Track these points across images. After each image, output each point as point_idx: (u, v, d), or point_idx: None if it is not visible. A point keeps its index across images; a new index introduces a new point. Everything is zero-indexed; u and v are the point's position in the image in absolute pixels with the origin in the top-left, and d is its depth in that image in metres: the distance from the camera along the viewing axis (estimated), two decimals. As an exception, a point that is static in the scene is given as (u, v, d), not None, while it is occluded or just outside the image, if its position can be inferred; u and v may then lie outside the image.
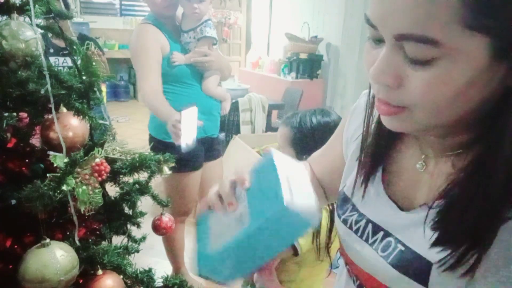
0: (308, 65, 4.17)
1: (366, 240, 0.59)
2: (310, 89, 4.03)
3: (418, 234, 0.53)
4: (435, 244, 0.49)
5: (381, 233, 0.58)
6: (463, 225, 0.46)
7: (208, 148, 2.01)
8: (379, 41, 0.46)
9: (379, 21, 0.44)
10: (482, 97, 0.44)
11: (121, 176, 0.97)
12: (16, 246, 0.88)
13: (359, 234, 0.60)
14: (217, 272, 0.53)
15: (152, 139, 1.93)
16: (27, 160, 0.91)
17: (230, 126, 3.46)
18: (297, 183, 0.51)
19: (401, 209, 0.57)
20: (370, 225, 0.60)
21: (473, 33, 0.39)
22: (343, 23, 3.93)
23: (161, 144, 1.79)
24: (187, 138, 1.40)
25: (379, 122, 0.60)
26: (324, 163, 0.80)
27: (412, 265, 0.51)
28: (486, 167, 0.45)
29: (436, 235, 0.49)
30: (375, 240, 0.58)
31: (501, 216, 0.44)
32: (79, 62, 0.87)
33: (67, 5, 2.10)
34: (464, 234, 0.46)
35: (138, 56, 1.75)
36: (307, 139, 1.15)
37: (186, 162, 1.82)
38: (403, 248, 0.54)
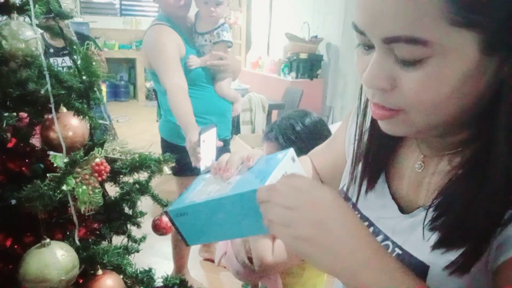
0: (308, 65, 4.17)
1: None
2: (310, 89, 4.03)
3: (416, 237, 0.53)
4: (436, 246, 0.48)
5: (381, 236, 0.58)
6: (461, 224, 0.46)
7: (221, 149, 1.98)
8: (368, 47, 0.46)
9: (366, 26, 0.44)
10: (477, 93, 0.44)
11: (121, 176, 0.97)
12: (16, 246, 0.88)
13: None
14: (180, 221, 0.55)
15: (164, 143, 1.89)
16: (27, 160, 0.91)
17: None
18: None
19: (403, 211, 0.57)
20: (371, 228, 0.60)
21: (460, 29, 0.39)
22: (343, 23, 3.93)
23: (175, 149, 1.74)
24: (206, 161, 1.38)
25: (374, 127, 0.60)
26: (325, 159, 0.79)
27: (409, 267, 0.50)
28: (483, 163, 0.45)
29: (435, 236, 0.49)
30: None
31: (499, 214, 0.44)
32: (79, 62, 0.87)
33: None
34: (463, 233, 0.46)
35: (159, 55, 1.67)
36: (297, 144, 1.14)
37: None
38: (400, 252, 0.54)
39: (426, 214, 0.51)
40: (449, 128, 0.49)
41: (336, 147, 0.75)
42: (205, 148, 1.32)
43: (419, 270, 0.50)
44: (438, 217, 0.49)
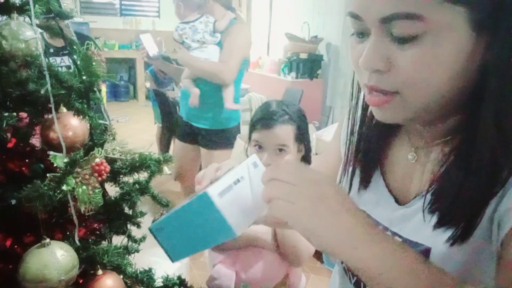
0: (308, 65, 4.17)
1: None
2: (310, 89, 4.03)
3: (414, 224, 0.55)
4: (436, 226, 0.51)
5: (380, 227, 0.58)
6: (457, 204, 0.48)
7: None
8: (362, 34, 0.49)
9: (363, 9, 0.46)
10: (468, 73, 0.46)
11: (121, 176, 0.97)
12: (16, 246, 0.88)
13: None
14: (161, 236, 0.55)
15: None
16: (27, 160, 0.91)
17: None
18: (243, 188, 0.53)
19: (398, 202, 0.59)
20: None
21: (452, 6, 0.41)
22: (343, 23, 3.93)
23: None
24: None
25: (365, 123, 0.63)
26: (324, 167, 0.80)
27: None
28: (472, 147, 0.47)
29: (434, 218, 0.51)
30: None
31: (491, 190, 0.47)
32: (78, 62, 0.87)
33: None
34: (460, 211, 0.48)
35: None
36: (305, 128, 1.23)
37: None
38: (400, 240, 0.55)
39: (424, 200, 0.53)
40: (441, 112, 0.50)
41: (334, 151, 0.76)
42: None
43: (421, 253, 0.51)
44: (435, 201, 0.51)
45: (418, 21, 0.42)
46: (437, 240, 0.51)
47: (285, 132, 1.16)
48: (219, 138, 2.21)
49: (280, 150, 1.15)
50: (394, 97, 0.48)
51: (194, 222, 0.51)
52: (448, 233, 0.50)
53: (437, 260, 0.50)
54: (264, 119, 1.17)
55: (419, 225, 0.54)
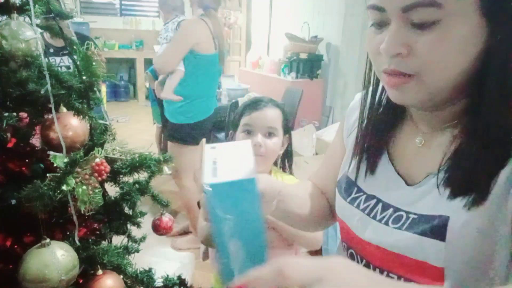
0: (308, 65, 4.17)
1: (374, 217, 0.62)
2: (310, 89, 4.02)
3: (428, 202, 0.57)
4: (452, 196, 0.54)
5: (391, 209, 0.61)
6: (472, 173, 0.53)
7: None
8: (380, 25, 0.54)
9: (386, 0, 0.51)
10: (476, 56, 0.51)
11: (121, 176, 0.97)
12: (16, 246, 0.88)
13: (366, 212, 0.64)
14: (226, 268, 0.51)
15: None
16: (27, 160, 0.91)
17: (230, 125, 3.47)
18: (225, 161, 0.53)
19: (407, 183, 0.62)
20: (380, 204, 0.63)
21: None
22: (343, 23, 3.93)
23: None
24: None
25: (375, 108, 0.67)
26: (326, 173, 0.81)
27: (429, 225, 0.55)
28: (481, 123, 0.52)
29: (450, 189, 0.55)
30: (384, 216, 0.61)
31: (504, 158, 0.51)
32: (78, 62, 0.87)
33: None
34: (475, 179, 0.52)
35: None
36: (289, 120, 1.25)
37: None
38: (415, 216, 0.57)
39: (437, 177, 0.56)
40: (451, 95, 0.55)
41: (335, 155, 0.78)
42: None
43: (439, 224, 0.54)
44: (450, 176, 0.55)
45: (437, 8, 0.47)
46: (454, 209, 0.53)
47: (274, 114, 1.19)
48: (172, 130, 2.38)
49: (270, 134, 1.16)
50: (412, 79, 0.52)
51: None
52: (464, 201, 0.53)
53: (456, 230, 0.52)
54: (253, 103, 1.21)
55: (434, 201, 0.56)
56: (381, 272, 0.61)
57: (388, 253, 0.58)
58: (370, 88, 0.67)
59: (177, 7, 2.68)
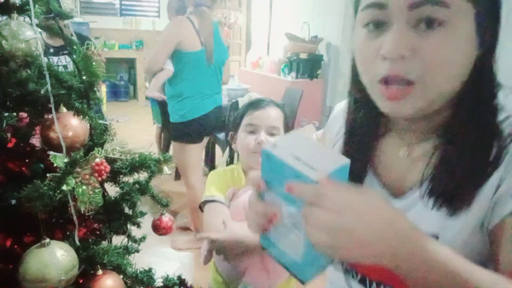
0: (308, 65, 4.17)
1: None
2: (310, 89, 4.02)
3: (415, 214, 0.57)
4: (437, 207, 0.54)
5: None
6: (455, 185, 0.52)
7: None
8: (378, 25, 0.50)
9: None
10: (468, 66, 0.50)
11: (121, 176, 0.97)
12: (16, 246, 0.88)
13: None
14: (311, 271, 0.49)
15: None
16: (27, 160, 0.91)
17: (230, 125, 3.46)
18: (308, 154, 0.46)
19: (394, 195, 0.61)
20: None
21: (467, 2, 0.47)
22: (343, 23, 3.93)
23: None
24: None
25: (357, 121, 0.65)
26: None
27: None
28: (461, 139, 0.52)
29: (434, 201, 0.54)
30: None
31: (485, 169, 0.51)
32: (78, 62, 0.87)
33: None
34: (455, 192, 0.52)
35: None
36: (289, 122, 1.25)
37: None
38: None
39: (421, 188, 0.56)
40: (444, 102, 0.54)
41: None
42: None
43: None
44: (432, 189, 0.54)
45: (445, 9, 0.46)
46: (440, 222, 0.53)
47: (276, 113, 1.19)
48: (171, 130, 2.43)
49: (272, 133, 1.16)
50: (413, 87, 0.49)
51: None
52: (447, 212, 0.53)
53: (446, 244, 0.51)
54: (255, 103, 1.21)
55: (420, 214, 0.55)
56: (378, 286, 0.60)
57: (383, 267, 0.58)
58: (355, 98, 0.65)
59: (180, 9, 2.70)
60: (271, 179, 0.48)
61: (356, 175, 0.63)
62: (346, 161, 0.45)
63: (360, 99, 0.63)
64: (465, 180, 0.51)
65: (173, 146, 2.46)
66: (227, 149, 1.44)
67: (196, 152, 2.37)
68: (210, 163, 3.55)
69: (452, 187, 0.52)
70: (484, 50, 0.50)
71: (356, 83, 0.61)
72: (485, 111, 0.51)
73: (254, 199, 0.50)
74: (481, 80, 0.51)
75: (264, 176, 0.49)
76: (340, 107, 0.72)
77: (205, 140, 2.48)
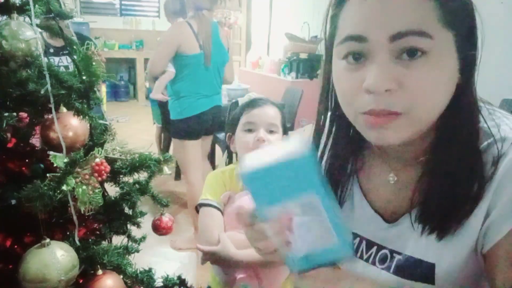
0: (308, 65, 4.17)
1: (361, 257, 0.62)
2: (310, 89, 4.02)
3: (410, 241, 0.56)
4: (425, 233, 0.54)
5: (375, 247, 0.61)
6: (442, 212, 0.52)
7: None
8: (358, 58, 0.49)
9: (371, 29, 0.47)
10: (451, 93, 0.50)
11: (121, 176, 0.97)
12: (16, 246, 0.88)
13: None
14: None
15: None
16: (27, 160, 0.91)
17: (227, 127, 3.46)
18: (277, 150, 0.45)
19: (387, 221, 0.60)
20: (364, 242, 0.62)
21: (446, 29, 0.47)
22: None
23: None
24: None
25: (340, 145, 0.64)
26: None
27: (416, 270, 0.55)
28: (448, 163, 0.51)
29: (421, 227, 0.54)
30: (370, 255, 0.61)
31: (471, 195, 0.50)
32: (78, 62, 0.87)
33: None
34: (443, 217, 0.52)
35: None
36: (285, 120, 1.25)
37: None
38: (400, 257, 0.57)
39: (410, 216, 0.56)
40: (425, 130, 0.53)
41: None
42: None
43: (427, 271, 0.54)
44: (421, 215, 0.54)
45: (428, 39, 0.45)
46: (438, 256, 0.53)
47: (274, 111, 1.19)
48: (171, 127, 2.54)
49: (271, 131, 1.16)
50: (399, 116, 0.48)
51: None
52: (436, 237, 0.53)
53: (443, 274, 0.53)
54: (253, 101, 1.21)
55: (413, 240, 0.56)
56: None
57: None
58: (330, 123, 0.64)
59: (177, 11, 2.82)
60: (264, 194, 0.46)
61: (340, 197, 0.64)
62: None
63: (341, 125, 0.62)
64: (451, 207, 0.51)
65: (173, 142, 2.58)
66: (226, 150, 1.44)
67: (194, 148, 2.46)
68: (210, 163, 3.55)
69: (439, 214, 0.52)
70: (465, 75, 0.50)
71: (336, 110, 0.60)
72: (467, 136, 0.51)
73: (257, 230, 0.49)
74: (461, 104, 0.51)
75: (256, 198, 0.47)
76: (310, 129, 0.71)
77: (208, 139, 2.59)
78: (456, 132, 0.51)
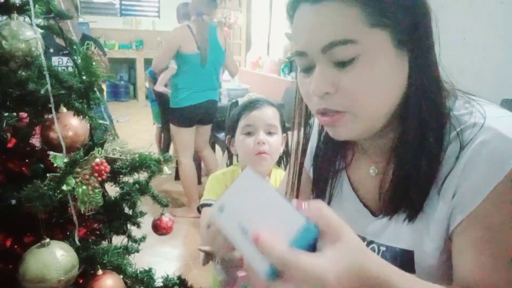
0: (308, 65, 4.17)
1: None
2: (310, 89, 4.02)
3: (392, 231, 0.60)
4: (391, 214, 0.59)
5: (364, 243, 0.63)
6: (403, 195, 0.57)
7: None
8: (308, 70, 0.57)
9: (307, 44, 0.54)
10: (400, 87, 0.54)
11: (121, 176, 0.97)
12: (16, 246, 0.88)
13: None
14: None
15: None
16: (27, 160, 0.91)
17: (226, 129, 3.47)
18: (259, 220, 0.44)
19: (374, 214, 0.65)
20: None
21: (376, 29, 0.50)
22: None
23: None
24: None
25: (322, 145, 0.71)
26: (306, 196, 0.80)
27: (397, 261, 0.59)
28: (414, 152, 0.56)
29: (390, 210, 0.59)
30: None
31: (432, 181, 0.55)
32: (78, 62, 0.87)
33: (76, 8, 2.58)
34: (407, 199, 0.57)
35: None
36: (284, 120, 1.28)
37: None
38: (384, 249, 0.61)
39: (384, 203, 0.61)
40: (388, 123, 0.58)
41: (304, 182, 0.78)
42: None
43: (406, 257, 0.58)
44: (389, 200, 0.59)
45: (353, 45, 0.50)
46: (416, 244, 0.57)
47: (273, 112, 1.21)
48: (169, 113, 2.99)
49: (270, 132, 1.16)
50: (344, 115, 0.55)
51: None
52: (405, 218, 0.58)
53: (421, 261, 0.56)
54: (251, 103, 1.22)
55: (396, 230, 0.59)
56: None
57: None
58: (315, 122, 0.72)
59: (186, 15, 3.30)
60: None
61: (330, 193, 0.70)
62: (301, 223, 0.41)
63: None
64: (413, 192, 0.56)
65: (170, 127, 3.02)
66: (227, 151, 1.44)
67: (187, 134, 2.93)
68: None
69: (403, 196, 0.57)
70: (417, 66, 0.53)
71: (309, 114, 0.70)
72: (431, 123, 0.54)
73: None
74: (418, 93, 0.54)
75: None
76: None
77: (204, 128, 3.04)
78: (420, 121, 0.54)
